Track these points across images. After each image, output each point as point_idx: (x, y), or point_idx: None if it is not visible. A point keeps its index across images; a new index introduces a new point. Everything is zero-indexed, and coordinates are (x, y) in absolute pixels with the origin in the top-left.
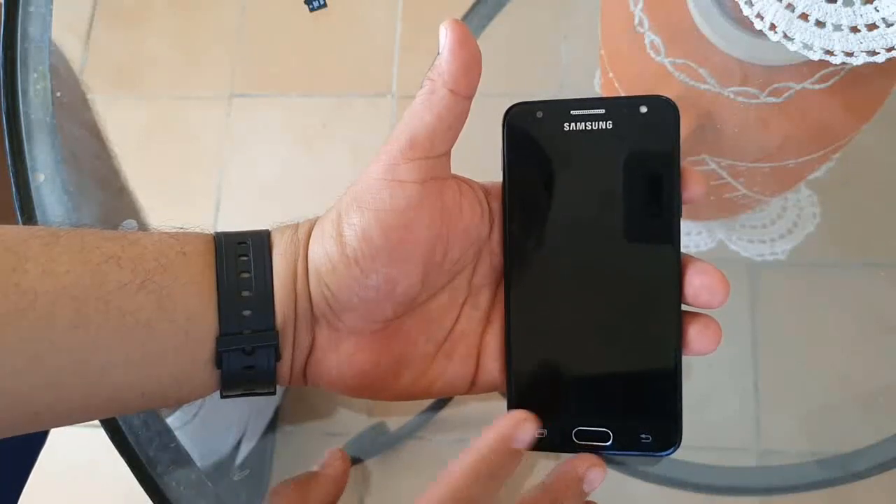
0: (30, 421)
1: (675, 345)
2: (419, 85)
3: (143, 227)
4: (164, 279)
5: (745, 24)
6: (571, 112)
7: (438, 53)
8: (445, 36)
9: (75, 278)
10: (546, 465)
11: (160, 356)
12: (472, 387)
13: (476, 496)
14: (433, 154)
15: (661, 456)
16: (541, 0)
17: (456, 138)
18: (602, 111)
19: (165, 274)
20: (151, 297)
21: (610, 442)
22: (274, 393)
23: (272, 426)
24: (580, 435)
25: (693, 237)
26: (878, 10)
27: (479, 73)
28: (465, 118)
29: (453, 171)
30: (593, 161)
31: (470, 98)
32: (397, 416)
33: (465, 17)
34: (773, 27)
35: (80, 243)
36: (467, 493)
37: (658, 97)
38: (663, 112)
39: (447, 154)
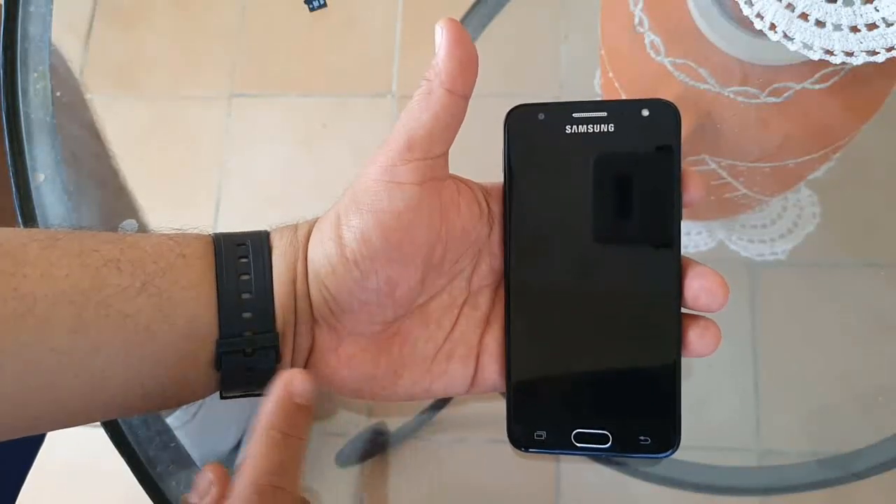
0: (30, 425)
1: (675, 347)
2: (419, 85)
3: (142, 226)
4: (163, 282)
5: (745, 24)
6: (573, 114)
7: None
8: (441, 35)
9: (74, 282)
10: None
11: (160, 359)
12: (472, 387)
13: (281, 461)
14: (431, 155)
15: (660, 458)
16: (541, 0)
17: (453, 138)
18: (604, 114)
19: (165, 277)
20: (151, 300)
21: (609, 444)
22: None
23: None
24: (579, 437)
25: (693, 237)
26: (878, 10)
27: (476, 72)
28: (463, 118)
29: (454, 171)
30: (594, 164)
31: (467, 97)
32: (397, 416)
33: (465, 17)
34: (773, 27)
35: (79, 246)
36: (273, 463)
37: (659, 100)
38: (664, 115)
39: (445, 154)
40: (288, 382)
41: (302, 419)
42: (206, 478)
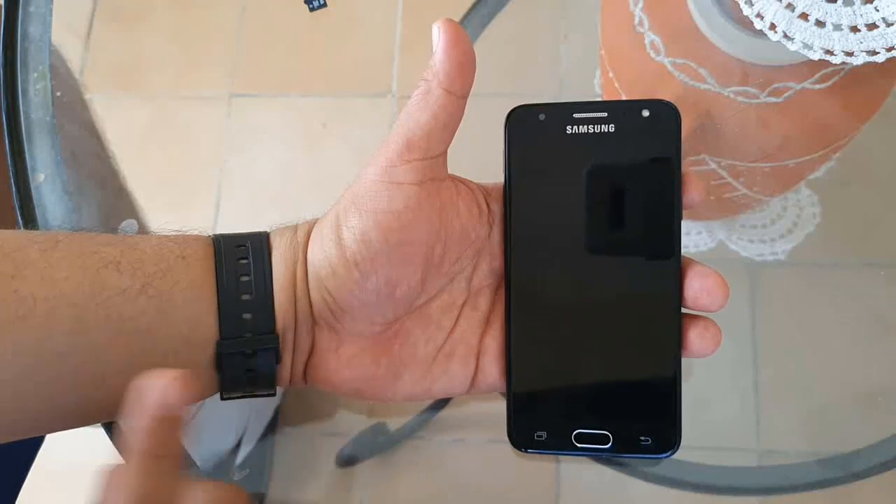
0: (31, 427)
1: (675, 347)
2: (417, 86)
3: (142, 227)
4: (163, 284)
5: (745, 24)
6: (574, 115)
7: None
8: (438, 36)
9: (74, 284)
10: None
11: (160, 361)
12: (472, 388)
13: (156, 486)
14: (430, 155)
15: (661, 458)
16: (541, 0)
17: (452, 138)
18: (604, 114)
19: (165, 278)
20: (151, 302)
21: (609, 444)
22: (274, 394)
23: (272, 426)
24: (580, 437)
25: (693, 237)
26: (878, 10)
27: (474, 72)
28: (461, 118)
29: (454, 171)
30: (595, 164)
31: (465, 97)
32: (397, 416)
33: (466, 17)
34: (773, 27)
35: (79, 248)
36: (147, 492)
37: (660, 101)
38: (665, 116)
39: (444, 154)
40: (157, 394)
41: (173, 434)
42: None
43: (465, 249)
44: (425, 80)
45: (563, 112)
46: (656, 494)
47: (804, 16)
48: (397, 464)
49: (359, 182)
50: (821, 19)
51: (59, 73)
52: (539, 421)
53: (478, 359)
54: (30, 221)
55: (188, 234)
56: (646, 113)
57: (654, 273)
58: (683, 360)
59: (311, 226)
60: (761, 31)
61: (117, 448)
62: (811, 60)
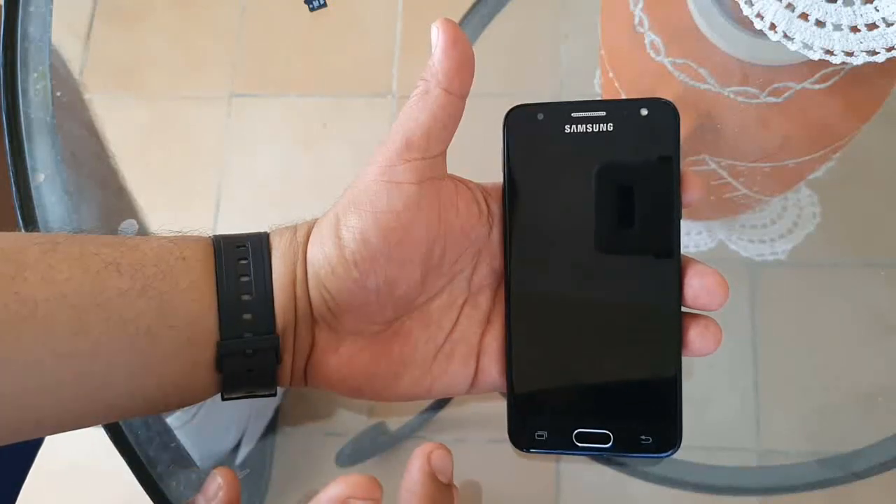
0: (32, 428)
1: (676, 346)
2: (416, 86)
3: (142, 227)
4: (163, 285)
5: (745, 24)
6: (572, 114)
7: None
8: (437, 36)
9: (75, 286)
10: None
11: (161, 362)
12: (472, 387)
13: None
14: (429, 154)
15: (661, 457)
16: (541, 0)
17: (451, 138)
18: (603, 113)
19: (165, 280)
20: (152, 303)
21: (610, 444)
22: (275, 394)
23: (272, 426)
24: (581, 437)
25: (693, 237)
26: (878, 10)
27: (473, 72)
28: (460, 117)
29: (454, 171)
30: (594, 163)
31: (464, 97)
32: (397, 416)
33: (466, 17)
34: (773, 27)
35: (79, 250)
36: None
37: (658, 100)
38: (664, 115)
39: (443, 154)
40: (428, 457)
41: (448, 492)
42: (214, 481)
43: (464, 249)
44: (424, 80)
45: (561, 111)
46: (656, 494)
47: (804, 16)
48: (397, 464)
49: (358, 182)
50: (821, 19)
51: (59, 73)
52: (539, 421)
53: (478, 358)
54: (30, 222)
55: (188, 235)
56: (644, 112)
57: (655, 272)
58: (684, 360)
59: (310, 226)
60: (761, 31)
61: (118, 449)
62: (811, 60)
